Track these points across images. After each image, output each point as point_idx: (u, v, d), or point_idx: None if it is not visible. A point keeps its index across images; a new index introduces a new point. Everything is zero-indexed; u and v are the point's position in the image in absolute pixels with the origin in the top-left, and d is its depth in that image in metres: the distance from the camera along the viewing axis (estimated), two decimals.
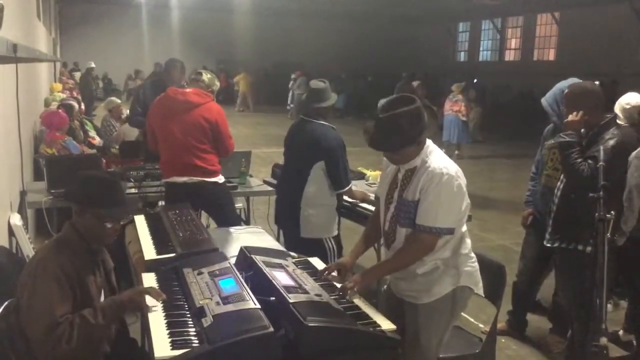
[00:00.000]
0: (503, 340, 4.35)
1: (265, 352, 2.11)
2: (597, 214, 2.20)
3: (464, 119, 11.89)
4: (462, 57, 27.37)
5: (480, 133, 15.56)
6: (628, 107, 4.23)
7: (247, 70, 23.63)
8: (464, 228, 2.80)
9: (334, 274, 2.89)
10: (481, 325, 4.43)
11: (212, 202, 4.57)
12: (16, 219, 4.07)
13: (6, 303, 2.48)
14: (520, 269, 4.46)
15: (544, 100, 4.18)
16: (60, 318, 2.30)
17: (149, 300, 2.50)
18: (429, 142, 2.72)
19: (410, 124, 2.54)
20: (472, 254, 2.85)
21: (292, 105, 21.82)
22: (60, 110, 7.36)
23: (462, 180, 2.67)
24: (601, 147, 2.54)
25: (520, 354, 4.28)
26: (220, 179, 4.57)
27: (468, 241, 2.83)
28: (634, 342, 4.19)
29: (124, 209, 2.71)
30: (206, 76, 4.59)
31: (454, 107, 11.74)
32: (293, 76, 21.91)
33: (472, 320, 4.48)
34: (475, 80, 12.57)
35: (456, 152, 12.00)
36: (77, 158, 5.85)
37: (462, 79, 14.56)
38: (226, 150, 4.54)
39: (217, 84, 4.71)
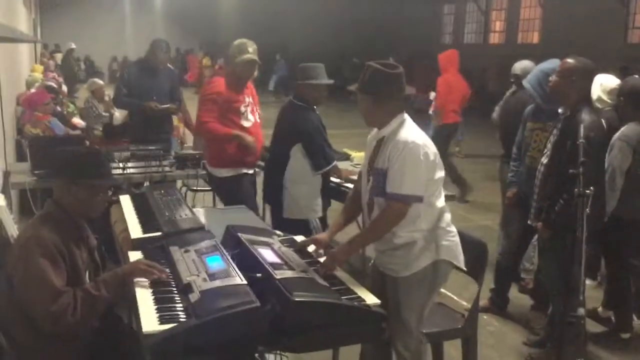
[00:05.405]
0: (485, 317, 4.43)
1: (252, 327, 2.14)
2: (576, 190, 2.24)
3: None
4: (447, 39, 27.33)
5: None
6: (614, 88, 4.28)
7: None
8: (442, 202, 2.85)
9: (310, 248, 2.94)
10: (464, 303, 4.46)
11: None
12: (0, 199, 4.03)
13: None
14: (503, 248, 4.53)
15: (526, 82, 4.22)
16: (62, 288, 2.32)
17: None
18: (405, 115, 2.81)
19: (376, 79, 2.72)
20: (452, 228, 2.90)
21: None
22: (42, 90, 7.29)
23: (431, 150, 2.73)
24: (581, 125, 2.59)
25: (502, 330, 4.37)
26: None
27: (447, 215, 2.88)
28: (613, 318, 4.29)
29: (111, 178, 2.74)
30: None
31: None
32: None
33: (455, 298, 4.54)
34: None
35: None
36: (60, 139, 5.81)
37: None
38: None
39: None
